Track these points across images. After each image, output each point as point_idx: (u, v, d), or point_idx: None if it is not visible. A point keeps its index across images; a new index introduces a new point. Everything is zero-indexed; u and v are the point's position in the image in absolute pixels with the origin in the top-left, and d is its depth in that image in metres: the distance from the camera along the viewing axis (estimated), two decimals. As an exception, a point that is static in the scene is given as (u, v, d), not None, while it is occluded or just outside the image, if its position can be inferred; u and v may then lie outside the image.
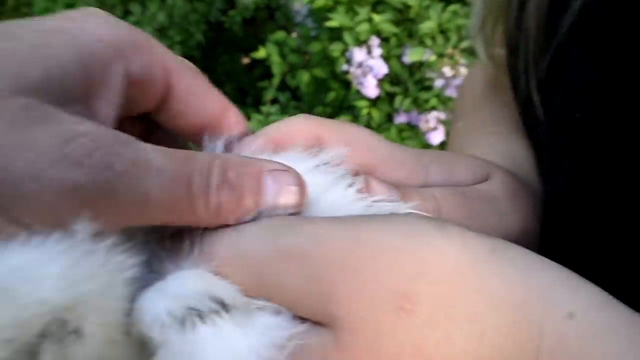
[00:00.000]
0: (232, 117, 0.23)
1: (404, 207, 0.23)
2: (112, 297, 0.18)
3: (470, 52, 1.24)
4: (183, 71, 0.22)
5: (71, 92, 0.19)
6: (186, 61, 0.23)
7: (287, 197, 0.20)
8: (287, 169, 0.21)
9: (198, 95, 0.23)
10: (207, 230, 0.20)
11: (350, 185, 0.23)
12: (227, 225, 0.20)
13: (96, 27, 0.20)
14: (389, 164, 0.25)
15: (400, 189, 0.24)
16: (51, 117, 0.17)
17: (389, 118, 1.33)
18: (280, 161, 0.21)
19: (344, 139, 0.24)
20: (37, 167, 0.16)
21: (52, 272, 0.16)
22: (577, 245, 0.27)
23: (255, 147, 0.23)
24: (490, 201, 0.26)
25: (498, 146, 0.35)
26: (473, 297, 0.19)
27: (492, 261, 0.20)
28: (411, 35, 1.26)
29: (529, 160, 0.34)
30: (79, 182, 0.16)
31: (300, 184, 0.21)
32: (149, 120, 0.24)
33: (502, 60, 0.35)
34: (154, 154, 0.18)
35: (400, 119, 1.29)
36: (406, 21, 1.26)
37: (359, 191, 0.23)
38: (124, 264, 0.18)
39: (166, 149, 0.19)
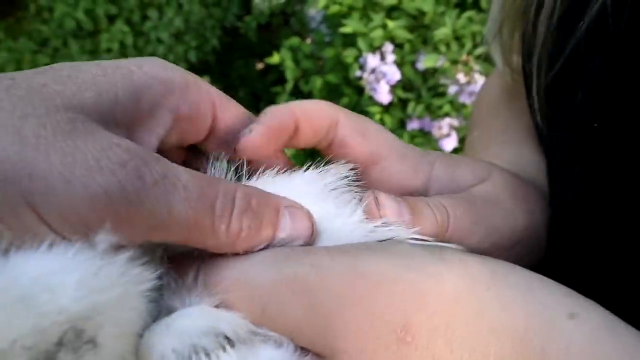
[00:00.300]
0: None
1: (406, 232, 0.23)
2: (128, 308, 0.18)
3: (484, 59, 1.23)
4: (227, 105, 0.24)
5: (119, 117, 0.20)
6: (228, 97, 0.24)
7: (300, 232, 0.21)
8: (301, 207, 0.22)
9: (239, 125, 0.24)
10: (211, 258, 0.20)
11: (358, 204, 0.23)
12: (231, 255, 0.20)
13: (151, 67, 0.21)
14: (396, 156, 0.26)
15: (408, 199, 0.24)
16: (93, 131, 0.18)
17: (402, 124, 1.33)
18: (294, 181, 0.22)
19: (358, 127, 0.25)
20: (73, 171, 0.17)
21: (71, 281, 0.16)
22: (589, 254, 0.27)
23: (277, 121, 0.23)
24: (492, 202, 0.26)
25: (505, 156, 0.36)
26: (473, 323, 0.19)
27: (492, 286, 0.20)
28: (425, 41, 1.25)
29: (537, 167, 0.34)
30: (110, 189, 0.17)
31: (311, 222, 0.21)
32: (192, 149, 0.25)
33: (518, 67, 0.35)
34: (182, 172, 0.19)
35: (413, 125, 1.29)
36: (420, 27, 1.26)
37: (367, 206, 0.23)
38: (141, 276, 0.18)
39: (194, 171, 0.20)
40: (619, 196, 0.25)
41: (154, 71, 0.21)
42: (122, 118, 0.20)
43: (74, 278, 0.16)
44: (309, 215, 0.22)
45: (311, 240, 0.21)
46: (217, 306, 0.20)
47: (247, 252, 0.20)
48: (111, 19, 1.78)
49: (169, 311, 0.20)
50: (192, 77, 0.23)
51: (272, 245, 0.21)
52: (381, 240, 0.22)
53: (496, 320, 0.19)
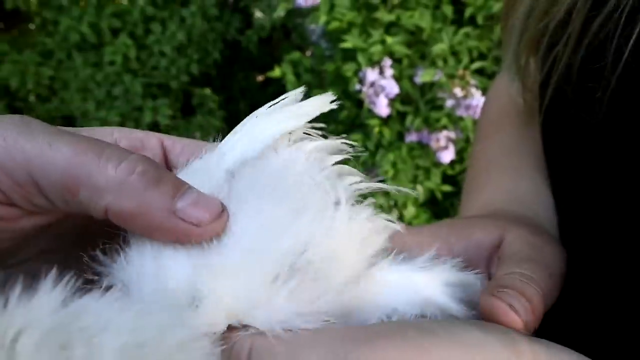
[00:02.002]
0: None
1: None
2: None
3: (481, 73, 1.27)
4: (176, 139, 0.24)
5: None
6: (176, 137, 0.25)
7: (205, 209, 0.19)
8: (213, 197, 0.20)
9: (193, 148, 0.23)
10: (262, 336, 0.18)
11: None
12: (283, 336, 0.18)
13: (102, 128, 0.23)
14: (412, 242, 0.25)
15: (511, 292, 0.22)
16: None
17: (400, 137, 1.36)
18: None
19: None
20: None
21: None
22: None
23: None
24: (536, 249, 0.26)
25: (506, 186, 0.36)
26: None
27: None
28: (423, 56, 1.29)
29: (536, 198, 0.34)
30: None
31: (224, 209, 0.20)
32: None
33: (535, 87, 0.34)
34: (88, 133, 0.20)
35: (411, 137, 1.32)
36: (418, 43, 1.29)
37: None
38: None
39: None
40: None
41: (99, 128, 0.23)
42: None
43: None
44: (221, 203, 0.20)
45: (220, 222, 0.19)
46: None
47: (140, 213, 0.19)
48: (115, 32, 1.81)
49: None
50: (136, 130, 0.24)
51: (173, 213, 0.19)
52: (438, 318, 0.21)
53: None
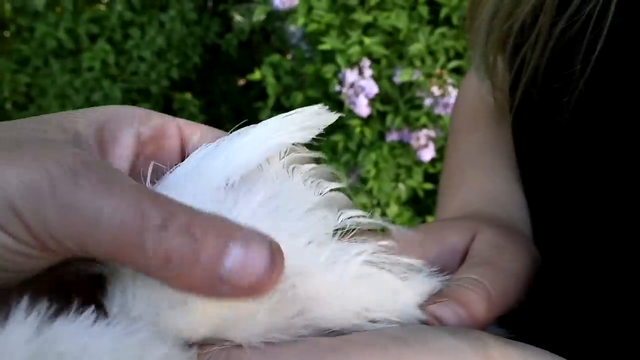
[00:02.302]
0: None
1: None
2: None
3: (457, 72, 1.29)
4: (194, 127, 0.23)
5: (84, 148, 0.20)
6: (194, 122, 0.24)
7: (253, 270, 0.17)
8: (262, 235, 0.17)
9: (210, 137, 0.23)
10: (237, 348, 0.18)
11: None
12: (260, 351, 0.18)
13: (112, 107, 0.22)
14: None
15: (450, 291, 0.23)
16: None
17: (381, 136, 1.37)
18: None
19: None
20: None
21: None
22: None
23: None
24: (499, 249, 0.26)
25: (481, 185, 0.36)
26: None
27: None
28: (401, 56, 1.31)
29: (511, 198, 0.35)
30: (39, 183, 0.16)
31: (270, 252, 0.17)
32: None
33: (505, 87, 0.34)
34: (125, 180, 0.18)
35: (392, 137, 1.34)
36: (396, 43, 1.31)
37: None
38: None
39: (141, 184, 0.18)
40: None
41: (113, 108, 0.22)
42: (86, 147, 0.20)
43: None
44: (271, 245, 0.17)
45: (272, 284, 0.17)
46: None
47: (185, 286, 0.17)
48: (93, 38, 1.79)
49: None
50: (155, 112, 0.23)
51: (219, 279, 0.17)
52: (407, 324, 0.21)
53: None
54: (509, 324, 0.26)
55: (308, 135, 0.22)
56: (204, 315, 0.18)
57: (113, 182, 0.17)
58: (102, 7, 1.83)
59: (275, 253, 0.17)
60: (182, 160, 0.22)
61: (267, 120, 0.22)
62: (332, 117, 0.23)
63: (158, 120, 0.23)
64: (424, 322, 0.22)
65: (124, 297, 0.18)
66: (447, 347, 0.19)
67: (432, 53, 1.28)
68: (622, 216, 0.26)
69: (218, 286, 0.17)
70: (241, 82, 2.08)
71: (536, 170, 0.33)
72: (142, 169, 0.22)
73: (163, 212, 0.17)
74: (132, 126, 0.22)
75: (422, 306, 0.22)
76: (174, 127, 0.23)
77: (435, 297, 0.22)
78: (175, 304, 0.18)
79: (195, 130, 0.23)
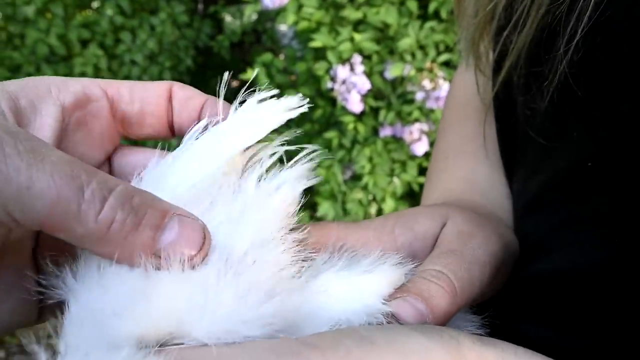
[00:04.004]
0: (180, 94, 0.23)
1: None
2: None
3: (448, 65, 1.30)
4: (118, 83, 0.22)
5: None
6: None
7: (188, 241, 0.18)
8: (197, 218, 0.19)
9: (140, 90, 0.22)
10: (194, 349, 0.18)
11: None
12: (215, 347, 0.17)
13: (28, 79, 0.21)
14: (359, 238, 0.25)
15: (410, 285, 0.23)
16: None
17: (375, 132, 1.38)
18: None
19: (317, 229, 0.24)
20: None
21: None
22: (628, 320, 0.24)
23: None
24: (467, 236, 0.26)
25: (463, 173, 0.36)
26: None
27: None
28: (391, 51, 1.31)
29: (490, 184, 0.35)
30: None
31: (204, 234, 0.19)
32: None
33: (487, 71, 0.34)
34: (56, 151, 0.17)
35: (386, 132, 1.34)
36: (386, 39, 1.32)
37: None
38: None
39: (72, 157, 0.18)
40: None
41: (25, 80, 0.21)
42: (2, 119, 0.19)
43: None
44: (204, 229, 0.19)
45: (201, 256, 0.19)
46: None
47: (122, 258, 0.18)
48: (84, 43, 1.79)
49: None
50: (72, 78, 0.22)
51: (154, 254, 0.18)
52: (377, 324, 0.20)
53: None
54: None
55: (266, 131, 0.22)
56: (157, 315, 0.18)
57: (41, 153, 0.17)
58: (92, 13, 1.83)
59: (206, 233, 0.19)
60: (115, 122, 0.22)
61: (225, 122, 0.22)
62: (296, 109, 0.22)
63: (76, 85, 0.22)
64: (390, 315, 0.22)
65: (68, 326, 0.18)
66: (416, 347, 0.18)
67: (422, 47, 1.29)
68: (601, 200, 0.25)
69: (153, 258, 0.18)
70: (234, 83, 2.08)
71: (518, 154, 0.33)
72: (73, 136, 0.21)
73: (101, 184, 0.18)
74: (50, 94, 0.21)
75: (387, 299, 0.22)
76: (98, 89, 0.22)
77: (396, 291, 0.22)
78: (121, 310, 0.18)
79: (122, 90, 0.22)
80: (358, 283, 0.22)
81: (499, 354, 0.19)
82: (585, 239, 0.26)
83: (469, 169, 0.37)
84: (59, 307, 0.19)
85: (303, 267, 0.20)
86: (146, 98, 0.23)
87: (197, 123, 0.23)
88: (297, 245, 0.20)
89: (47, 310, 0.21)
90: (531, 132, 0.29)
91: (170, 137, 0.24)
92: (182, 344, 0.18)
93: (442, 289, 0.23)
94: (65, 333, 0.18)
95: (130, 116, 0.23)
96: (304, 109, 0.23)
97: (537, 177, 0.30)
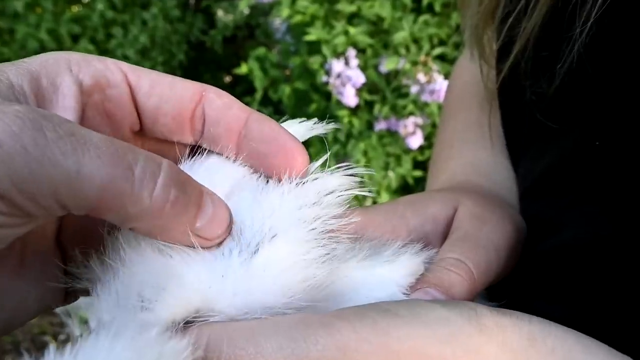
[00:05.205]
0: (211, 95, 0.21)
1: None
2: None
3: (442, 59, 1.31)
4: (141, 71, 0.21)
5: (19, 98, 0.18)
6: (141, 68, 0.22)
7: (219, 224, 0.19)
8: (221, 199, 0.20)
9: (163, 85, 0.21)
10: (221, 327, 0.18)
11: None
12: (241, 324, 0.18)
13: (45, 55, 0.20)
14: (372, 227, 0.26)
15: (430, 276, 0.23)
16: None
17: (369, 126, 1.39)
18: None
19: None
20: None
21: None
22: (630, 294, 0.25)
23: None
24: (480, 222, 0.26)
25: (467, 158, 0.37)
26: None
27: (533, 355, 0.19)
28: (386, 45, 1.32)
29: (495, 167, 0.35)
30: (4, 141, 0.15)
31: (229, 213, 0.20)
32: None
33: (491, 60, 0.34)
34: (94, 133, 0.17)
35: (380, 126, 1.35)
36: (380, 32, 1.32)
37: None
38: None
39: (110, 137, 0.17)
40: None
41: (44, 55, 0.20)
42: (22, 99, 0.18)
43: None
44: (229, 211, 0.20)
45: (225, 235, 0.19)
46: None
47: (168, 236, 0.18)
48: (75, 38, 1.77)
49: None
50: (93, 55, 0.21)
51: (193, 232, 0.18)
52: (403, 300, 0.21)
53: None
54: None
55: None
56: (186, 294, 0.18)
57: (82, 135, 0.16)
58: (82, 7, 1.81)
59: (230, 213, 0.20)
60: (135, 110, 0.21)
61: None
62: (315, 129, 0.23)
63: (98, 64, 0.20)
64: None
65: (99, 306, 0.19)
66: (438, 318, 0.19)
67: (416, 41, 1.29)
68: (609, 183, 0.26)
69: (190, 237, 0.19)
70: (227, 79, 2.07)
71: (523, 139, 0.33)
72: (93, 121, 0.20)
73: (149, 162, 0.17)
74: (70, 72, 0.20)
75: (408, 290, 0.22)
76: (119, 74, 0.21)
77: (417, 282, 0.23)
78: (150, 291, 0.18)
79: (142, 79, 0.21)
80: (379, 274, 0.22)
81: (514, 321, 0.20)
82: (594, 216, 0.27)
83: (473, 155, 0.37)
84: (85, 290, 0.20)
85: (328, 253, 0.20)
86: (168, 96, 0.21)
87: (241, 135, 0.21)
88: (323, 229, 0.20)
89: (73, 293, 0.21)
90: (539, 115, 0.30)
91: (184, 144, 0.22)
92: (208, 320, 0.18)
93: (461, 277, 0.23)
94: (96, 310, 0.18)
95: (143, 110, 0.21)
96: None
97: (545, 160, 0.31)
